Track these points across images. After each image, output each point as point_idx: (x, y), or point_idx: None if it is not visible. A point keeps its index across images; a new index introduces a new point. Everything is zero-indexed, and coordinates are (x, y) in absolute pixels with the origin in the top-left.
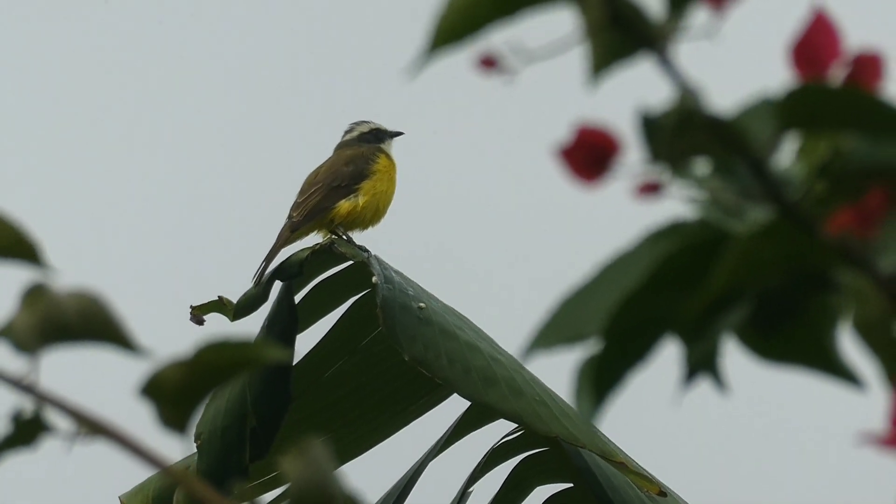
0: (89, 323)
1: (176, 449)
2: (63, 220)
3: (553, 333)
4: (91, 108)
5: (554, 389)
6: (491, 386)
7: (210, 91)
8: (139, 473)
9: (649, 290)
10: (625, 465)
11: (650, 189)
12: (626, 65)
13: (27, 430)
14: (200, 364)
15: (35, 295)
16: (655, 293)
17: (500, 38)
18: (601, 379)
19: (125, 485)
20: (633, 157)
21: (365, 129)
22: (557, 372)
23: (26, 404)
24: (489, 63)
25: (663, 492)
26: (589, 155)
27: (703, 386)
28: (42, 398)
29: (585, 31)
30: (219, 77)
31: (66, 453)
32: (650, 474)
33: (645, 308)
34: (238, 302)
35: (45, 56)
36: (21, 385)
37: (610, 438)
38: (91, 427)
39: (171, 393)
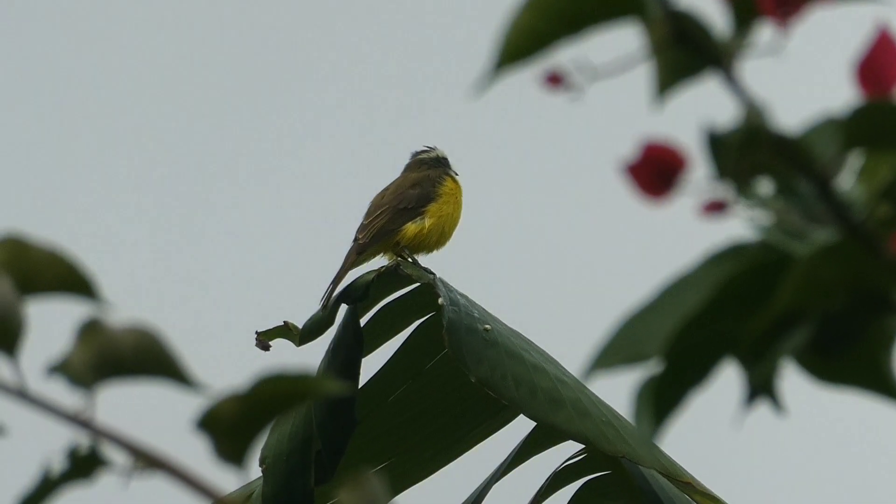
0: (145, 358)
1: (232, 482)
2: (122, 247)
3: (614, 354)
4: (148, 124)
5: (618, 411)
6: (558, 407)
7: (276, 108)
8: None
9: (710, 311)
10: (691, 486)
11: (716, 207)
12: (691, 82)
13: (84, 466)
14: (258, 397)
15: (91, 330)
16: (716, 315)
17: (565, 55)
18: (661, 400)
19: None
20: (699, 175)
21: (432, 155)
22: (618, 392)
23: (83, 439)
24: (555, 80)
25: None
26: (655, 171)
27: (764, 408)
28: (98, 433)
29: (651, 48)
30: (288, 94)
31: (124, 488)
32: (716, 495)
33: (705, 329)
34: (304, 327)
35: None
36: (77, 420)
37: (675, 460)
38: (148, 461)
39: (228, 426)
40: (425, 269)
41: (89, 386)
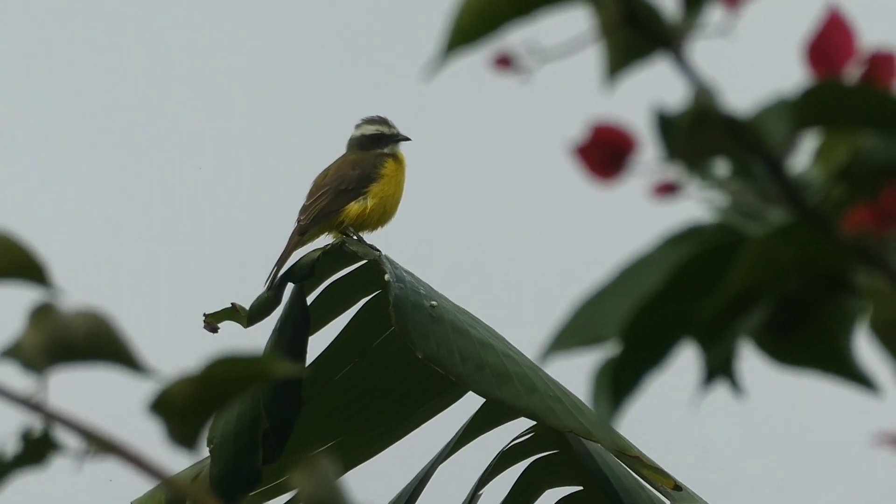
0: (96, 343)
1: (184, 464)
2: (68, 231)
3: (571, 336)
4: (92, 113)
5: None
6: (504, 382)
7: (217, 92)
8: (139, 485)
9: (667, 293)
10: (639, 460)
11: (667, 189)
12: (641, 64)
13: (36, 449)
14: (210, 379)
15: (42, 315)
16: (673, 297)
17: (516, 37)
18: (619, 382)
19: (137, 491)
20: (649, 156)
21: (373, 130)
22: (572, 372)
23: (35, 423)
24: (505, 62)
25: (678, 486)
26: (605, 153)
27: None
28: (51, 417)
29: (600, 30)
30: (227, 77)
31: (76, 471)
32: (663, 469)
33: (663, 311)
34: (251, 307)
35: (50, 58)
36: (29, 404)
37: (623, 435)
38: (101, 445)
39: (181, 409)
40: (370, 246)
41: (41, 370)
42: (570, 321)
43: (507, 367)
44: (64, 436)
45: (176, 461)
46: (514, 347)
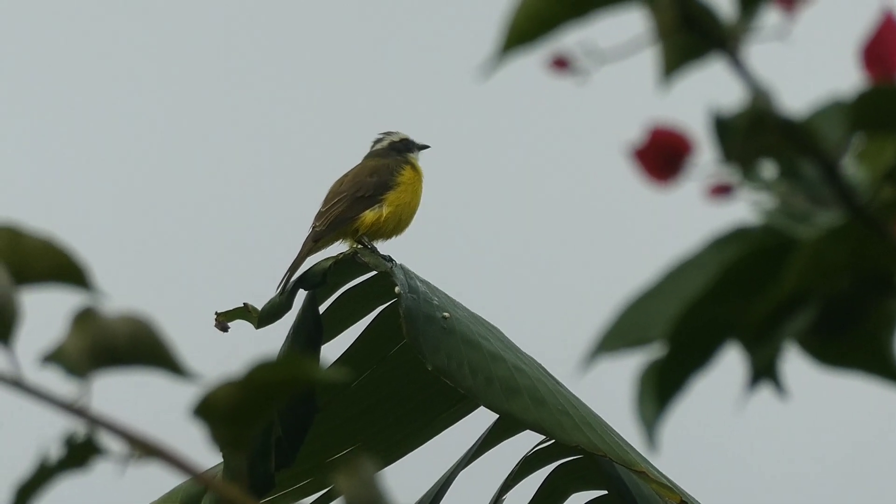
0: (139, 346)
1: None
2: (79, 230)
3: (617, 338)
4: (115, 116)
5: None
6: (513, 396)
7: (238, 94)
8: (168, 482)
9: (714, 295)
10: (645, 474)
11: (721, 191)
12: (697, 66)
13: (80, 453)
14: (252, 383)
15: (85, 319)
16: (720, 299)
17: (572, 39)
18: (664, 384)
19: (154, 493)
20: (705, 159)
21: (395, 139)
22: (587, 383)
23: (78, 427)
24: (562, 64)
25: (685, 501)
26: (661, 155)
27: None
28: (94, 421)
29: (657, 32)
30: (248, 78)
31: (120, 475)
32: (672, 483)
33: (709, 313)
34: (262, 310)
35: (68, 59)
36: (73, 409)
37: (634, 448)
38: (144, 448)
39: (224, 413)
40: (384, 257)
41: (84, 374)
42: (616, 323)
43: (516, 380)
44: (107, 440)
45: (209, 461)
46: (526, 358)
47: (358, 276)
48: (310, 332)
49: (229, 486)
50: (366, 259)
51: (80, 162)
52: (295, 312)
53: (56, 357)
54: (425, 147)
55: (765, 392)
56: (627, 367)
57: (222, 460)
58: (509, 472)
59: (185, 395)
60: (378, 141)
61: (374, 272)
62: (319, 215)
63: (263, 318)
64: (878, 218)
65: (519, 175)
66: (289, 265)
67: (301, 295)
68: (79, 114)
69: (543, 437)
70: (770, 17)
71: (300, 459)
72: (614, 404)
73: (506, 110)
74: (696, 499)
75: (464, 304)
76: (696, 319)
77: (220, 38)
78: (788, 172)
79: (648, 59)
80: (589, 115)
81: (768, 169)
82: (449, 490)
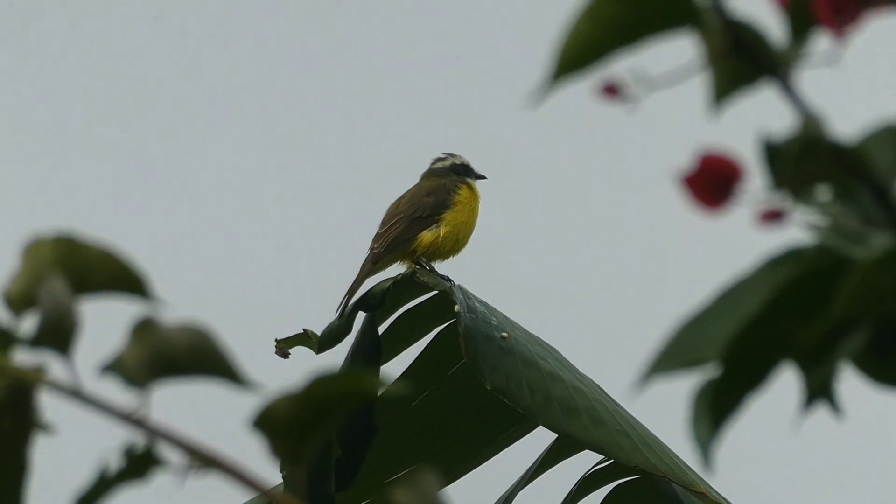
0: (198, 357)
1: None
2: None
3: (671, 359)
4: (173, 139)
5: (637, 418)
6: (571, 415)
7: (295, 118)
8: (234, 497)
9: (768, 315)
10: (704, 495)
11: (773, 216)
12: (748, 92)
13: (139, 465)
14: (312, 396)
15: (144, 329)
16: (775, 319)
17: (622, 65)
18: (719, 404)
19: None
20: (756, 185)
21: (457, 161)
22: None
23: (138, 438)
24: (612, 91)
25: None
26: (712, 182)
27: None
28: (153, 432)
29: (707, 58)
30: (305, 103)
31: (179, 487)
32: None
33: (764, 333)
34: (322, 335)
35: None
36: (132, 419)
37: (692, 469)
38: (203, 460)
39: (283, 425)
40: (442, 277)
41: (143, 385)
42: (671, 344)
43: (575, 400)
44: (166, 451)
45: (278, 478)
46: (584, 378)
47: (416, 298)
48: (369, 354)
49: (291, 499)
50: (425, 279)
51: (144, 178)
52: (354, 336)
53: (115, 367)
54: (482, 177)
55: (823, 413)
56: (684, 388)
57: (283, 480)
58: (567, 493)
59: (246, 407)
60: (439, 160)
61: (432, 293)
62: (377, 237)
63: (323, 342)
64: None
65: (570, 200)
66: (347, 288)
67: (360, 317)
68: (142, 128)
69: (601, 457)
70: (820, 43)
71: (358, 480)
72: (672, 425)
73: (556, 137)
74: None
75: (521, 324)
76: (751, 340)
77: (276, 61)
78: (842, 194)
79: (699, 85)
80: (639, 142)
81: (822, 191)
82: None
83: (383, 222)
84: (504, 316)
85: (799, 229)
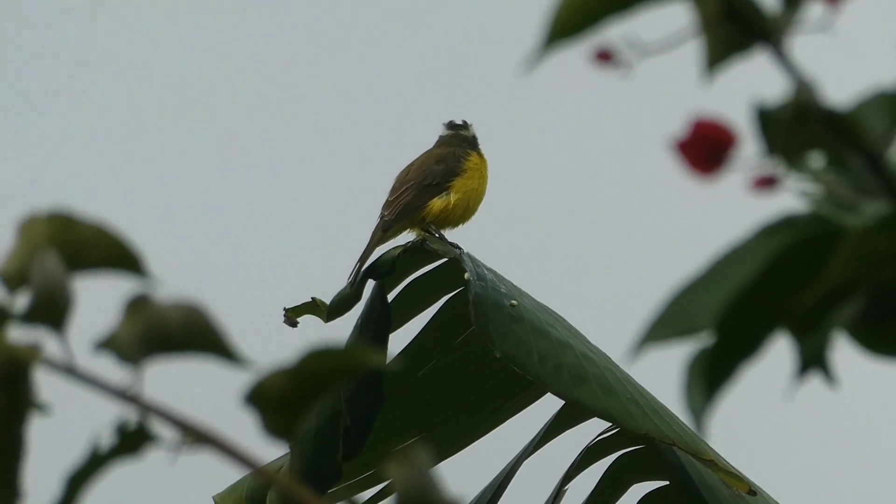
0: (192, 333)
1: (278, 456)
2: (152, 226)
3: (665, 327)
4: (179, 109)
5: (645, 387)
6: (581, 383)
7: (304, 87)
8: (232, 474)
9: (762, 284)
10: (714, 463)
11: (766, 182)
12: (741, 58)
13: (132, 441)
14: (305, 371)
15: (138, 306)
16: (768, 287)
17: (615, 32)
18: (713, 373)
19: (218, 485)
20: (749, 151)
21: (466, 133)
22: (651, 369)
23: (131, 415)
24: (605, 57)
25: (753, 490)
26: (705, 148)
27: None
28: (146, 408)
29: (701, 25)
30: (316, 71)
31: (172, 463)
32: (740, 473)
33: (757, 302)
34: (331, 303)
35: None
36: (125, 396)
37: (702, 437)
38: (196, 436)
39: (276, 401)
40: (452, 244)
41: (137, 361)
42: (665, 312)
43: (585, 367)
44: (159, 427)
45: (271, 454)
46: (594, 347)
47: (425, 266)
48: (378, 322)
49: (284, 475)
50: (434, 246)
51: (143, 151)
52: (363, 304)
53: (109, 344)
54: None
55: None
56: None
57: (289, 452)
58: (571, 462)
59: (240, 383)
60: (453, 126)
61: (442, 261)
62: (387, 205)
63: (333, 310)
64: None
65: (563, 168)
66: (358, 256)
67: (369, 285)
68: (142, 99)
69: (605, 426)
70: (813, 10)
71: (366, 450)
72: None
73: (549, 103)
74: (764, 488)
75: (529, 293)
76: (745, 308)
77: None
78: (835, 162)
79: (692, 51)
80: (632, 109)
81: (815, 159)
82: (513, 479)
83: (393, 190)
84: (513, 284)
85: (792, 197)
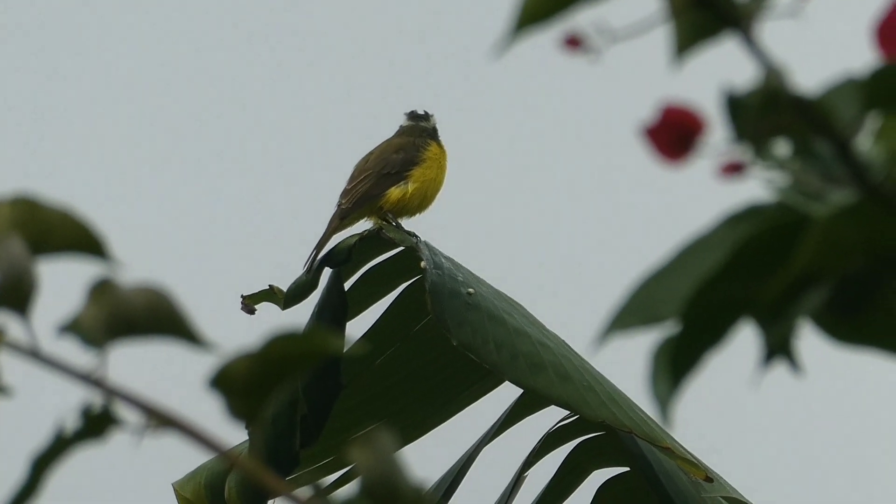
0: (156, 317)
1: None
2: (112, 212)
3: (630, 316)
4: (136, 93)
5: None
6: (538, 371)
7: (263, 73)
8: (191, 461)
9: (727, 272)
10: (671, 451)
11: (734, 169)
12: (710, 44)
13: (97, 424)
14: (269, 356)
15: (102, 289)
16: (733, 276)
17: (584, 17)
18: (678, 361)
19: (177, 472)
20: (718, 137)
21: (427, 125)
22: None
23: (95, 398)
24: (574, 43)
25: (710, 478)
26: (674, 134)
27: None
28: (111, 392)
29: (670, 10)
30: (276, 55)
31: (136, 446)
32: (697, 460)
33: (723, 290)
34: (288, 290)
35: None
36: (90, 379)
37: (659, 424)
38: (160, 420)
39: (240, 385)
40: (408, 233)
41: (101, 345)
42: (630, 300)
43: (541, 355)
44: (124, 411)
45: (236, 438)
46: (551, 334)
47: (382, 254)
48: (334, 310)
49: (249, 458)
50: (391, 235)
51: (104, 136)
52: (320, 292)
53: (73, 328)
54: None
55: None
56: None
57: (248, 438)
58: (531, 449)
59: (205, 367)
60: (413, 117)
61: (398, 249)
62: (345, 192)
63: (289, 298)
64: (892, 196)
65: (531, 153)
66: (315, 244)
67: (326, 273)
68: (100, 83)
69: (565, 413)
70: None
71: (323, 437)
72: (637, 382)
73: (518, 89)
74: (722, 475)
75: (486, 280)
76: (710, 296)
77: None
78: (802, 150)
79: (661, 37)
80: (601, 94)
81: (782, 147)
82: (472, 466)
83: (351, 178)
84: (470, 272)
85: (759, 186)
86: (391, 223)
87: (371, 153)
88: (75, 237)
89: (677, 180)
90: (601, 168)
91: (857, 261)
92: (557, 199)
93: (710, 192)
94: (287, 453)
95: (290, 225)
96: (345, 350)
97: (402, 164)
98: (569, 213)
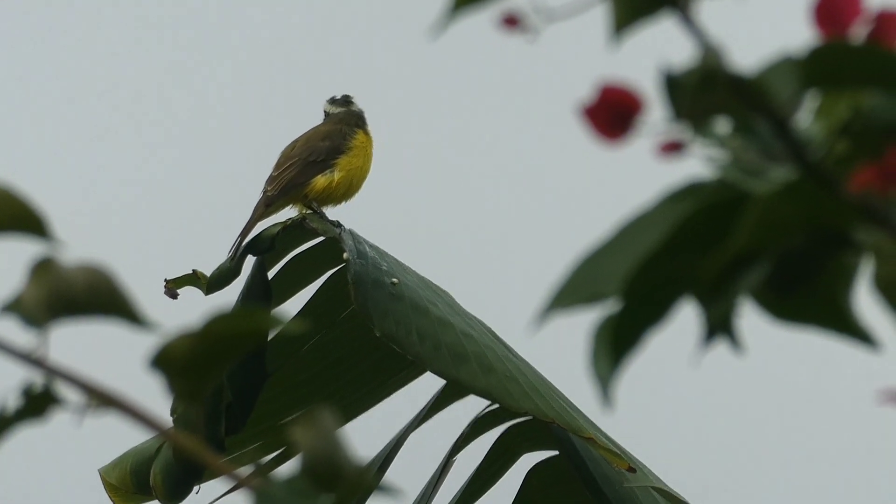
0: (97, 296)
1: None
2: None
3: (571, 294)
4: (76, 78)
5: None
6: (461, 362)
7: (189, 60)
8: (117, 447)
9: (668, 250)
10: (593, 441)
11: (672, 148)
12: (648, 23)
13: (37, 404)
14: (210, 335)
15: (43, 269)
16: (674, 253)
17: None
18: (619, 340)
19: (103, 458)
20: (656, 116)
21: (354, 109)
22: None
23: (36, 378)
24: (512, 22)
25: (633, 468)
26: (612, 113)
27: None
28: (52, 371)
29: None
30: (206, 38)
31: (77, 426)
32: (621, 450)
33: (663, 268)
34: (211, 276)
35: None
36: (30, 359)
37: (583, 414)
38: (102, 399)
39: (182, 364)
40: (332, 223)
41: (42, 324)
42: (570, 279)
43: (465, 346)
44: (65, 390)
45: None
46: (475, 323)
47: (307, 242)
48: (259, 298)
49: (187, 437)
50: (314, 225)
51: (38, 119)
52: (244, 279)
53: (14, 307)
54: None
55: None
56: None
57: (173, 420)
58: (460, 433)
59: (145, 347)
60: (335, 102)
61: (323, 238)
62: (271, 179)
63: (212, 284)
64: (831, 174)
65: (467, 134)
66: (240, 230)
67: (250, 260)
68: (43, 62)
69: None
70: None
71: (249, 424)
72: (570, 368)
73: (455, 69)
74: (649, 466)
75: (413, 268)
76: (650, 275)
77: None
78: (742, 128)
79: (598, 16)
80: (538, 74)
81: (722, 124)
82: (400, 451)
83: (277, 165)
84: (395, 260)
85: (699, 163)
86: (315, 211)
87: (297, 140)
88: (15, 215)
89: (616, 159)
90: (539, 148)
91: (796, 238)
92: (496, 180)
93: (649, 171)
94: (213, 440)
95: (217, 210)
96: (278, 332)
97: (329, 152)
98: (506, 195)
